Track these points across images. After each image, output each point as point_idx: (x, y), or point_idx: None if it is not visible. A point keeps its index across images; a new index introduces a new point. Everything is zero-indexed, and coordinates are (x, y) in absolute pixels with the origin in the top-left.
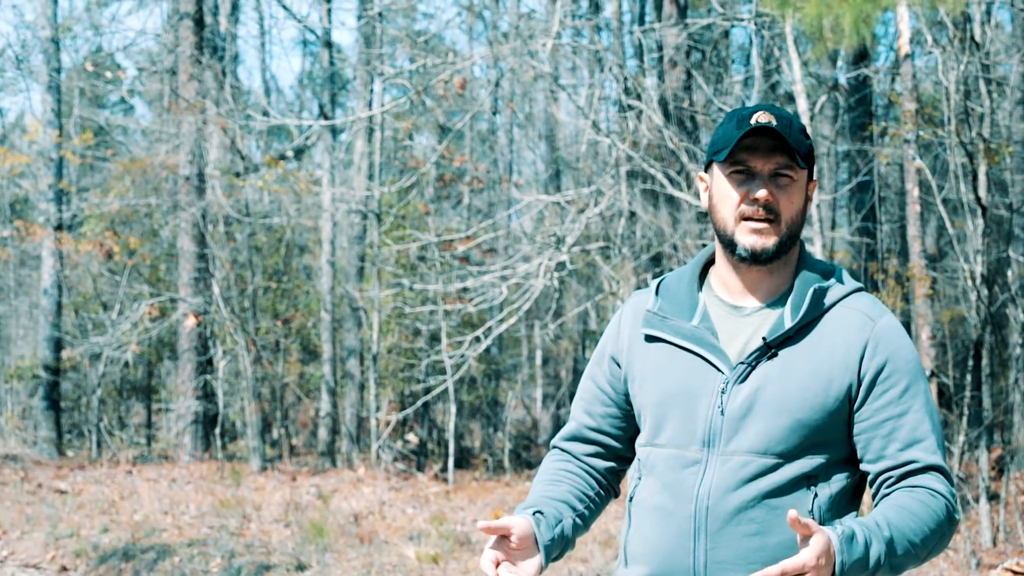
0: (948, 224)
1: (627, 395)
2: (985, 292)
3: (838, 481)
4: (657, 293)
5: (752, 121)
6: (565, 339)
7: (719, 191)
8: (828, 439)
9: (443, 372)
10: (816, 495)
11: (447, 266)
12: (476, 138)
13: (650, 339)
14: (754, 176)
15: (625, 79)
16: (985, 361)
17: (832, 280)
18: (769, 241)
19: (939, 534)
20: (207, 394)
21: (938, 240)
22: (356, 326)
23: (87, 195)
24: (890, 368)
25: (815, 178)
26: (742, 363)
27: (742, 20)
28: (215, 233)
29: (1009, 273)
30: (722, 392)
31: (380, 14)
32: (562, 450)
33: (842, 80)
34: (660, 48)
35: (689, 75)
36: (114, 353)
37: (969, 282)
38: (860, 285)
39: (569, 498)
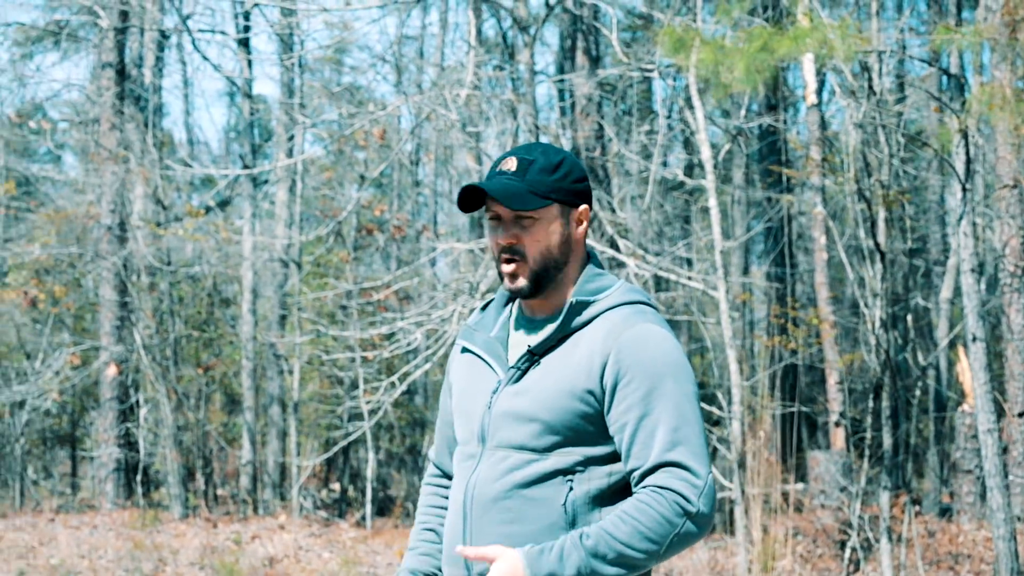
0: (849, 270)
1: None
2: (884, 336)
3: (599, 478)
4: (483, 310)
5: (497, 170)
6: None
7: (487, 235)
8: (579, 439)
9: (363, 419)
10: (572, 488)
11: (365, 314)
12: (402, 188)
13: (464, 351)
14: (501, 221)
15: (537, 128)
16: (886, 403)
17: (601, 295)
18: (520, 282)
19: (665, 529)
20: (129, 442)
21: (855, 286)
22: (278, 374)
23: (10, 245)
24: (630, 375)
25: (582, 203)
26: (512, 367)
27: (650, 71)
28: (137, 282)
29: (909, 318)
30: (493, 392)
31: (301, 64)
32: (434, 465)
33: (750, 128)
34: (573, 96)
35: (600, 125)
36: (36, 401)
37: (869, 326)
38: (632, 299)
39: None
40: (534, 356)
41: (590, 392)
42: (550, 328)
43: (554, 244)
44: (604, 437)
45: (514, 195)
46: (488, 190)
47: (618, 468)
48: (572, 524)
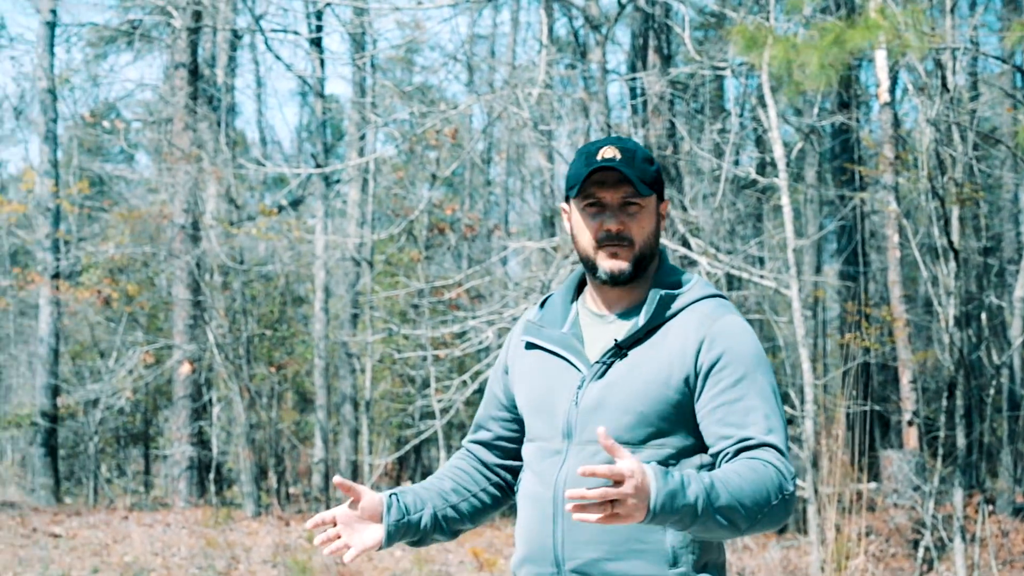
0: (923, 268)
1: (513, 399)
2: (958, 335)
3: (692, 469)
4: (542, 306)
5: (598, 157)
6: None
7: (577, 223)
8: (673, 429)
9: (434, 417)
10: None
11: (436, 312)
12: (474, 188)
13: (529, 346)
14: (605, 208)
15: (608, 127)
16: (959, 402)
17: (684, 288)
18: (625, 264)
19: (765, 498)
20: (202, 440)
21: (928, 285)
22: (350, 372)
23: (84, 244)
24: (725, 360)
25: (666, 198)
26: (598, 362)
27: (722, 69)
28: (210, 281)
29: (982, 317)
30: (578, 388)
31: (373, 63)
32: (466, 449)
33: (822, 126)
34: (644, 94)
35: (672, 124)
36: (110, 400)
37: (942, 325)
38: (713, 292)
39: (446, 492)
40: (620, 350)
41: (684, 379)
42: (636, 321)
43: (652, 233)
44: (693, 427)
45: (637, 180)
46: (626, 173)
47: (707, 459)
48: None
